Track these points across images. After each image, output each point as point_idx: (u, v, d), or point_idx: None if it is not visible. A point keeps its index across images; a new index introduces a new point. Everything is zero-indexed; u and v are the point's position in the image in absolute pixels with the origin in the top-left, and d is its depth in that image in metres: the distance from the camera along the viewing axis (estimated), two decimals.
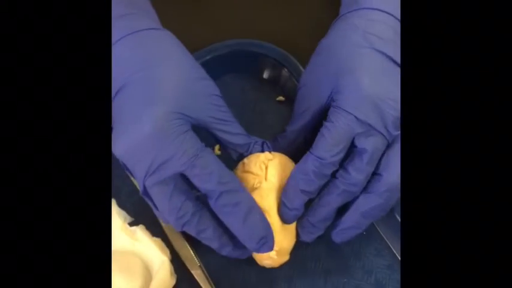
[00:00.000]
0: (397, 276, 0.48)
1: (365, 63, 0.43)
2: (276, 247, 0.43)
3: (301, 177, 0.42)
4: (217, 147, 0.52)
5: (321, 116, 0.45)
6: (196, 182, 0.41)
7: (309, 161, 0.42)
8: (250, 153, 0.46)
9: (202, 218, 0.42)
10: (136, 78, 0.42)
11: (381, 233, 0.47)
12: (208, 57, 0.53)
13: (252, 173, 0.45)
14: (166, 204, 0.41)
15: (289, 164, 0.46)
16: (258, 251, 0.42)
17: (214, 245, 0.43)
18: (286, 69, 0.53)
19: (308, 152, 0.43)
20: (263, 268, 0.46)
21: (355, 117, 0.41)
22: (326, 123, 0.42)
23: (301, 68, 0.52)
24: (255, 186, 0.44)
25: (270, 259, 0.45)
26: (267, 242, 0.42)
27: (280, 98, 0.54)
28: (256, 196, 0.44)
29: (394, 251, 0.48)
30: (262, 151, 0.46)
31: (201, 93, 0.43)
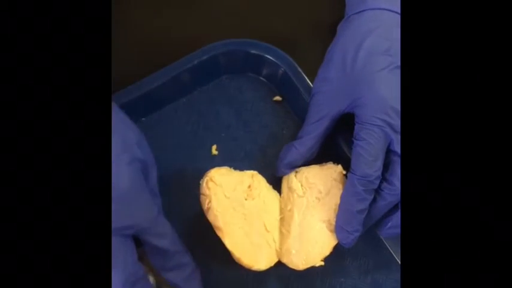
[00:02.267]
0: (394, 276, 0.48)
1: (382, 72, 0.43)
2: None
3: (354, 198, 0.43)
4: (214, 147, 0.52)
5: (337, 122, 0.46)
6: None
7: (356, 182, 0.43)
8: None
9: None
10: None
11: (378, 233, 0.47)
12: (205, 57, 0.53)
13: (202, 194, 0.45)
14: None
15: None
16: None
17: None
18: (283, 69, 0.53)
19: (350, 174, 0.43)
20: None
21: (382, 128, 0.42)
22: (358, 142, 0.43)
23: (298, 68, 0.52)
24: (207, 206, 0.44)
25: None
26: None
27: (277, 98, 0.54)
28: (210, 216, 0.44)
29: (391, 251, 0.49)
30: None
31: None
